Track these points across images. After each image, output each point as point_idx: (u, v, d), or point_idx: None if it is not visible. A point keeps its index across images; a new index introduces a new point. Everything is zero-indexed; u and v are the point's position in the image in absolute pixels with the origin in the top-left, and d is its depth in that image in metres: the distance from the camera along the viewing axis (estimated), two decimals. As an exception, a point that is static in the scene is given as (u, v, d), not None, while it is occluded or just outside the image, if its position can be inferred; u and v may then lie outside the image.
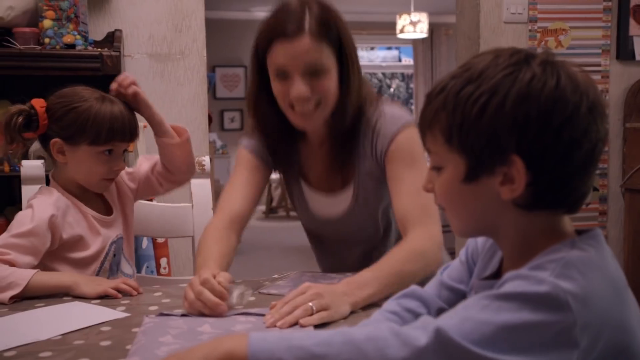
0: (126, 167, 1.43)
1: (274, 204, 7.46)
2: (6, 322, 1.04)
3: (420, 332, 0.65)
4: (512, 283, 0.66)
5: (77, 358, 0.87)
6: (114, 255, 1.36)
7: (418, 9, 5.94)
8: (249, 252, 5.28)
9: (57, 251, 1.27)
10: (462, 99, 0.71)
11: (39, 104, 1.30)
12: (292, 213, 7.41)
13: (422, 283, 0.96)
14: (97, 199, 1.39)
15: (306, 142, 1.35)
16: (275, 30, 1.18)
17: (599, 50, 2.79)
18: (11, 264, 1.18)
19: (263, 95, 1.26)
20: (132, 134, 1.32)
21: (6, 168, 2.10)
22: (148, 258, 2.18)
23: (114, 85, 1.36)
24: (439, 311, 0.87)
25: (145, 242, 2.17)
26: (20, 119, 1.28)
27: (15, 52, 2.05)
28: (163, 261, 2.23)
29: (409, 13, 5.83)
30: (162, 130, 1.42)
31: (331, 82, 1.21)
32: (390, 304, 0.91)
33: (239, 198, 1.32)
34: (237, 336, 0.71)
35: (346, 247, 1.41)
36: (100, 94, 1.32)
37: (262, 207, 7.51)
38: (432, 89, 0.76)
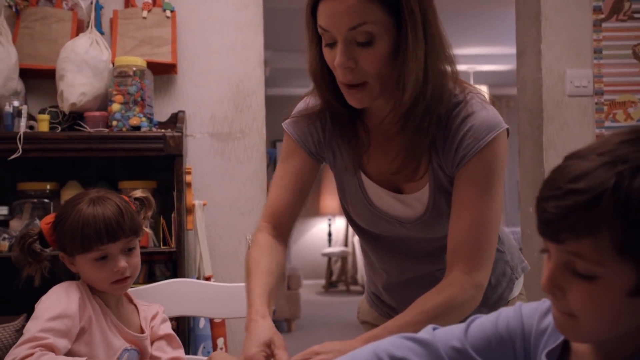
0: (161, 312, 1.37)
1: (334, 277, 7.36)
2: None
3: None
4: None
5: None
6: None
7: (478, 81, 5.94)
8: (308, 327, 5.17)
9: (76, 343, 1.21)
10: None
11: (45, 221, 1.29)
12: (353, 287, 7.29)
13: None
14: (126, 312, 1.33)
15: (375, 130, 1.17)
16: None
17: (672, 122, 2.67)
18: (51, 348, 1.14)
19: (323, 64, 1.10)
20: (112, 236, 1.23)
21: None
22: (205, 338, 2.15)
23: None
24: None
25: (202, 322, 2.15)
26: (28, 241, 1.28)
27: (84, 135, 2.15)
28: (220, 341, 2.20)
29: (468, 86, 5.83)
30: None
31: (378, 54, 1.02)
32: (395, 345, 0.80)
33: (283, 197, 1.21)
34: None
35: (416, 246, 1.22)
36: (94, 196, 1.27)
37: (321, 282, 7.43)
38: (578, 178, 0.63)
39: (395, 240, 1.24)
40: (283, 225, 1.21)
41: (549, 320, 0.75)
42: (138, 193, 1.37)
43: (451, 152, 1.09)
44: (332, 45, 1.04)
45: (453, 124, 1.09)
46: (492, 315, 0.81)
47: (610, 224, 0.60)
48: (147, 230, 1.41)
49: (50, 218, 1.30)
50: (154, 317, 1.36)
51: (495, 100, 1.15)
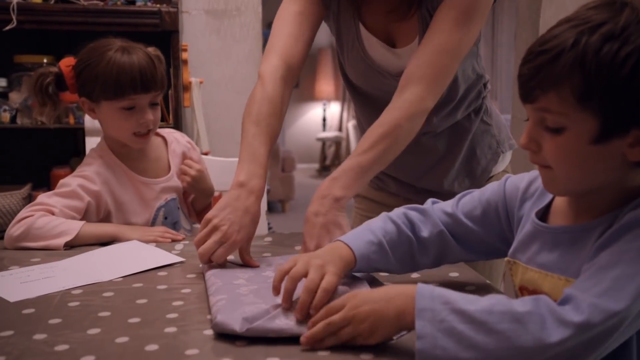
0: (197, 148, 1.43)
1: (327, 162, 7.50)
2: (73, 262, 1.10)
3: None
4: None
5: (136, 298, 0.93)
6: (165, 218, 1.35)
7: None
8: (301, 208, 5.35)
9: (105, 219, 1.29)
10: (606, 59, 0.66)
11: (65, 63, 1.27)
12: (345, 171, 7.43)
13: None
14: (152, 157, 1.36)
15: None
16: None
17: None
18: (52, 213, 1.21)
19: None
20: (146, 86, 1.25)
21: (71, 120, 2.20)
22: (203, 210, 2.25)
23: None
24: (433, 235, 0.92)
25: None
26: (46, 80, 1.27)
27: (79, 8, 2.12)
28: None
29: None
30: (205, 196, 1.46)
31: None
32: (397, 213, 0.94)
33: (294, 39, 1.18)
34: (406, 295, 0.72)
35: None
36: (122, 45, 1.26)
37: (315, 165, 7.58)
38: (547, 41, 0.70)
39: (386, 99, 1.26)
40: (294, 62, 1.18)
41: (538, 184, 0.86)
42: (150, 50, 1.33)
43: None
44: None
45: None
46: (481, 189, 0.94)
47: (569, 76, 0.68)
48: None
49: (70, 61, 1.28)
50: (184, 152, 1.44)
51: None
